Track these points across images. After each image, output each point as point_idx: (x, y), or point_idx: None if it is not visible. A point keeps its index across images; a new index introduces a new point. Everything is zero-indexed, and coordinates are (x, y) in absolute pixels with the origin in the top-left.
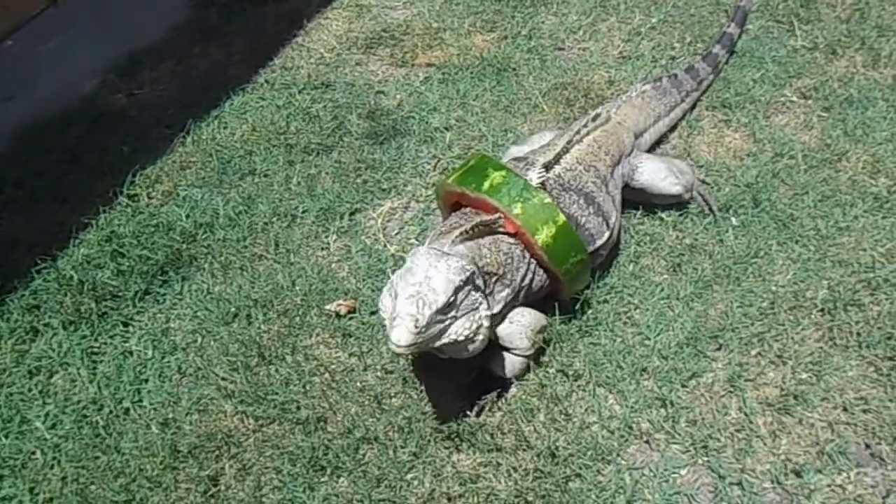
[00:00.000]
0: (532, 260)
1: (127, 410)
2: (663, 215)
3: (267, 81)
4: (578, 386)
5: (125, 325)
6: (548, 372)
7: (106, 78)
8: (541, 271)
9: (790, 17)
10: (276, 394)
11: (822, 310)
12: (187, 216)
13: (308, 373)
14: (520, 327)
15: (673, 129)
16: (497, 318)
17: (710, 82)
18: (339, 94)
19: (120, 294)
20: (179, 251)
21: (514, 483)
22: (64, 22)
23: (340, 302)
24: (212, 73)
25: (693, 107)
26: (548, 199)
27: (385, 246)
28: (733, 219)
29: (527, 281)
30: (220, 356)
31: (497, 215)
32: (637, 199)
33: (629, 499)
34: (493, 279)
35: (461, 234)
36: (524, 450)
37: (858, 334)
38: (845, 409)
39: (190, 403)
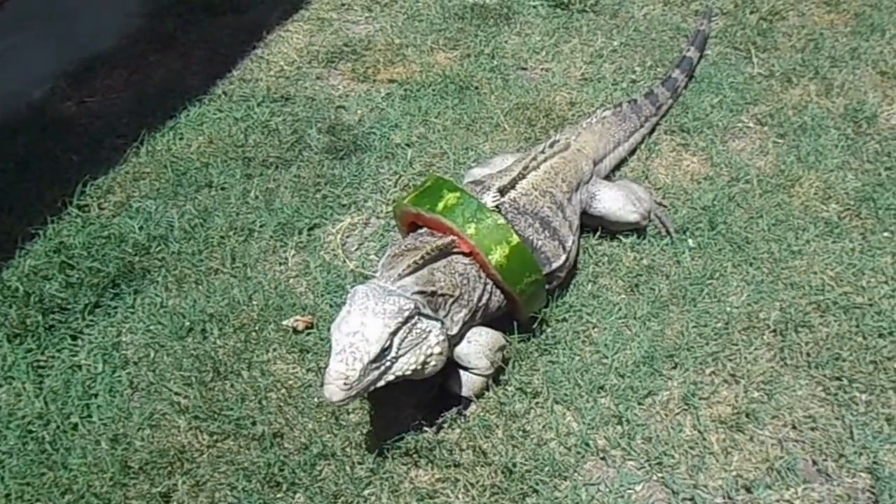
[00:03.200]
0: (488, 280)
1: (75, 426)
2: (621, 237)
3: (225, 93)
4: (537, 403)
5: (74, 338)
6: (507, 390)
7: (56, 85)
8: (497, 291)
9: (747, 45)
10: (232, 409)
11: (774, 330)
12: (140, 228)
13: (264, 388)
14: (478, 346)
15: (632, 152)
16: (455, 338)
17: (669, 107)
18: (299, 107)
19: (69, 307)
20: (132, 263)
21: (472, 499)
22: (10, 26)
23: (298, 317)
24: (168, 82)
25: (652, 131)
26: (501, 220)
27: (344, 262)
28: (690, 241)
29: (483, 301)
30: (173, 371)
31: (451, 237)
32: (595, 224)
33: None
34: (450, 301)
35: (411, 264)
36: (482, 466)
37: (808, 354)
38: (794, 427)
39: (142, 419)
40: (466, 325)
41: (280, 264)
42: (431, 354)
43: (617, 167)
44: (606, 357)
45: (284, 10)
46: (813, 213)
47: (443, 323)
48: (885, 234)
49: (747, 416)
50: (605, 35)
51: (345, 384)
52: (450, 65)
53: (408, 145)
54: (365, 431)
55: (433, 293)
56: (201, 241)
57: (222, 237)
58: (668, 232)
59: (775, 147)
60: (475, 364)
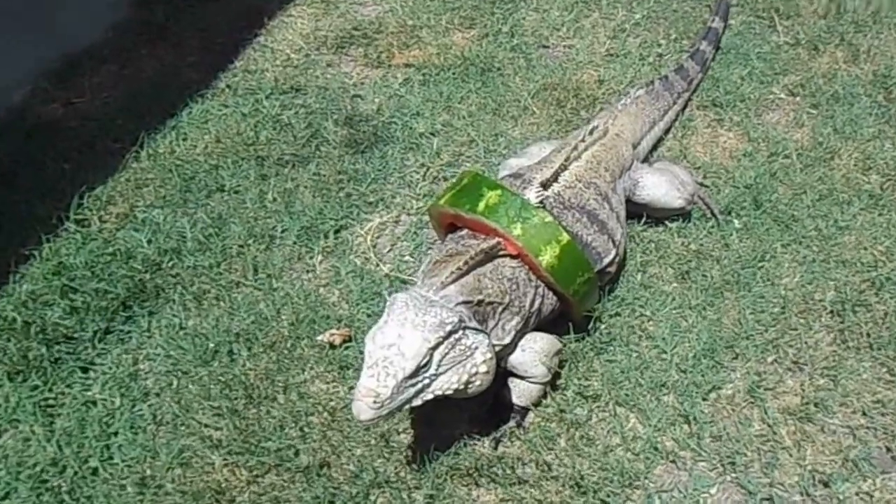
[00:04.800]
0: (539, 283)
1: (95, 470)
2: (667, 222)
3: (228, 86)
4: (598, 407)
5: (84, 370)
6: (565, 395)
7: (38, 86)
8: (549, 294)
9: (770, 13)
10: (270, 439)
11: (831, 312)
12: (149, 241)
13: (304, 413)
14: (533, 354)
15: (667, 131)
16: (509, 348)
17: (699, 81)
18: (312, 98)
19: (75, 335)
20: (143, 282)
21: None
22: None
23: (333, 331)
24: (163, 77)
25: (684, 107)
26: (549, 218)
27: (377, 266)
28: (735, 221)
29: (536, 305)
30: (201, 400)
31: (496, 239)
32: (639, 212)
33: None
34: (500, 309)
35: (454, 271)
36: (548, 480)
37: (868, 335)
38: (864, 414)
39: (170, 457)
40: (519, 333)
41: (307, 272)
42: (476, 373)
43: (653, 148)
44: (665, 352)
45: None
46: (855, 186)
47: (490, 335)
48: None
49: (815, 405)
50: (626, 8)
51: (375, 402)
52: (468, 45)
53: (432, 134)
54: (419, 453)
55: (480, 302)
56: (218, 252)
57: (241, 246)
58: (713, 214)
59: (810, 118)
60: (532, 373)
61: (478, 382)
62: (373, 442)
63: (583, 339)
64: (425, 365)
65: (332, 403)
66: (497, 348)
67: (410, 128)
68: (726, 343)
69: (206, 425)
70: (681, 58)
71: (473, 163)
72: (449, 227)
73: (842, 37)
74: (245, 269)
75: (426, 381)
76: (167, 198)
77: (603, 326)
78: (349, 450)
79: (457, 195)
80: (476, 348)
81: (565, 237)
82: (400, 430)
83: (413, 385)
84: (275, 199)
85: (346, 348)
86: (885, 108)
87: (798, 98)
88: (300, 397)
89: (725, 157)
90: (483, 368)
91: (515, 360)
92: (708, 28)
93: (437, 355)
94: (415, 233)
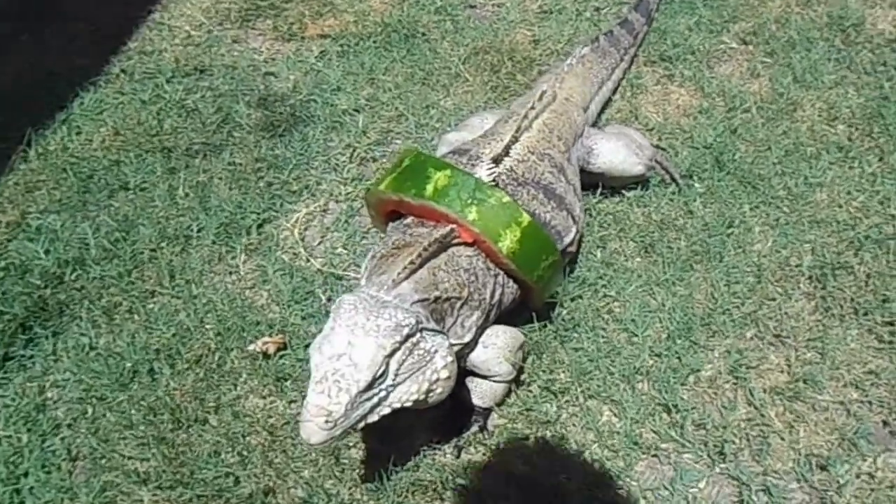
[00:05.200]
0: (498, 272)
1: None
2: (624, 191)
3: (123, 71)
4: (567, 402)
5: None
6: (530, 391)
7: None
8: (510, 282)
9: None
10: (205, 468)
11: (810, 277)
12: (47, 252)
13: (241, 434)
14: (496, 350)
15: (614, 90)
16: (469, 346)
17: (644, 34)
18: (219, 80)
19: None
20: (44, 299)
21: None
22: None
23: (266, 338)
24: (49, 64)
25: (631, 63)
26: (507, 198)
27: (308, 261)
28: (698, 185)
29: (496, 297)
30: (121, 429)
31: (449, 227)
32: (593, 181)
33: None
34: (458, 304)
35: (406, 266)
36: (519, 489)
37: (852, 300)
38: (857, 387)
39: (91, 497)
40: (480, 329)
41: (231, 274)
42: (437, 380)
43: (602, 110)
44: (636, 335)
45: None
46: (822, 139)
47: (449, 335)
48: None
49: (804, 381)
50: None
51: (326, 421)
52: (388, 10)
53: (356, 111)
54: (375, 469)
55: (437, 299)
56: (128, 259)
57: (153, 251)
58: (673, 179)
59: (766, 68)
60: (496, 371)
61: (439, 390)
62: (322, 461)
63: (544, 327)
64: (381, 375)
65: (272, 420)
66: (457, 348)
67: (332, 105)
68: (701, 320)
69: (129, 457)
70: (622, 10)
71: (405, 140)
72: (390, 214)
73: None
74: (160, 275)
75: (382, 393)
76: (63, 201)
77: (565, 311)
78: (295, 472)
79: (399, 178)
80: (435, 352)
81: (525, 218)
82: (351, 444)
83: (368, 399)
84: (187, 195)
85: (282, 357)
86: (844, 51)
87: (751, 47)
88: (235, 417)
89: (680, 116)
90: (444, 374)
91: (477, 358)
92: None
93: (393, 363)
94: (346, 222)
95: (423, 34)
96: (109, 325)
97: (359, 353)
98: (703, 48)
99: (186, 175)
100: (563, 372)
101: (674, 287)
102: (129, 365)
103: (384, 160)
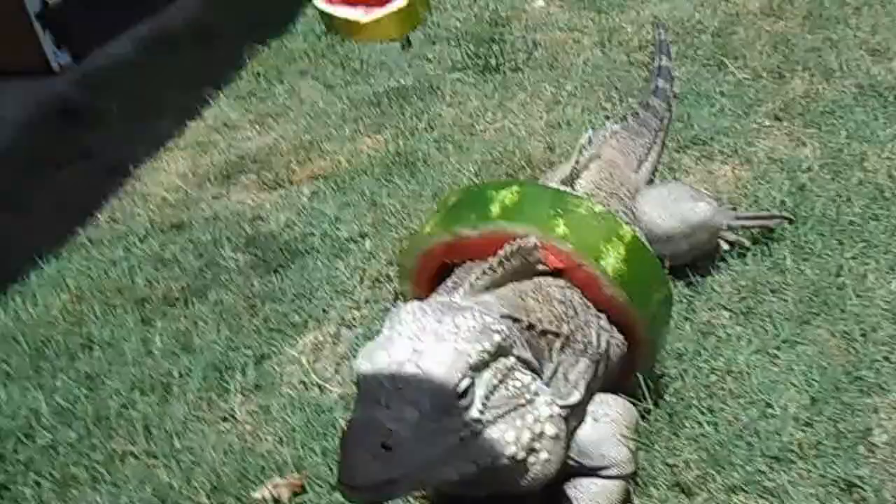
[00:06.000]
0: (599, 312)
1: None
2: (696, 266)
3: (90, 240)
4: (708, 500)
5: None
6: (652, 492)
7: None
8: (614, 329)
9: (716, 58)
10: None
11: None
12: None
13: None
14: (611, 427)
15: (653, 173)
16: (576, 415)
17: (668, 120)
18: (200, 232)
19: None
20: None
21: None
22: None
23: (277, 480)
24: (8, 240)
25: (662, 147)
26: (600, 207)
27: (323, 391)
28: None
29: (604, 344)
30: None
31: (531, 240)
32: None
33: None
34: (558, 344)
35: (485, 273)
36: None
37: None
38: None
39: None
40: (589, 389)
41: (224, 420)
42: (542, 435)
43: None
44: (770, 405)
45: (151, 145)
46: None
47: (552, 383)
48: None
49: None
50: (553, 84)
51: (384, 448)
52: (382, 146)
53: (362, 236)
54: None
55: (531, 327)
56: (90, 420)
57: (123, 405)
58: (771, 217)
59: (810, 137)
60: (611, 457)
61: (543, 455)
62: None
63: (648, 413)
64: (464, 394)
65: None
66: (563, 412)
67: (332, 236)
68: (847, 377)
69: None
70: (641, 100)
71: None
72: (437, 274)
73: (804, 64)
74: (131, 433)
75: (465, 431)
76: (11, 373)
77: (668, 394)
78: None
79: (450, 216)
80: (537, 395)
81: (628, 231)
82: None
83: (445, 433)
84: (165, 343)
85: (299, 499)
86: (891, 108)
87: (786, 122)
88: None
89: (735, 188)
90: (551, 430)
91: (586, 437)
92: (658, 67)
93: (480, 385)
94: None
95: (425, 160)
96: (64, 498)
97: (430, 360)
98: (735, 128)
99: (164, 323)
100: (690, 464)
101: (796, 347)
102: None
103: (433, 207)
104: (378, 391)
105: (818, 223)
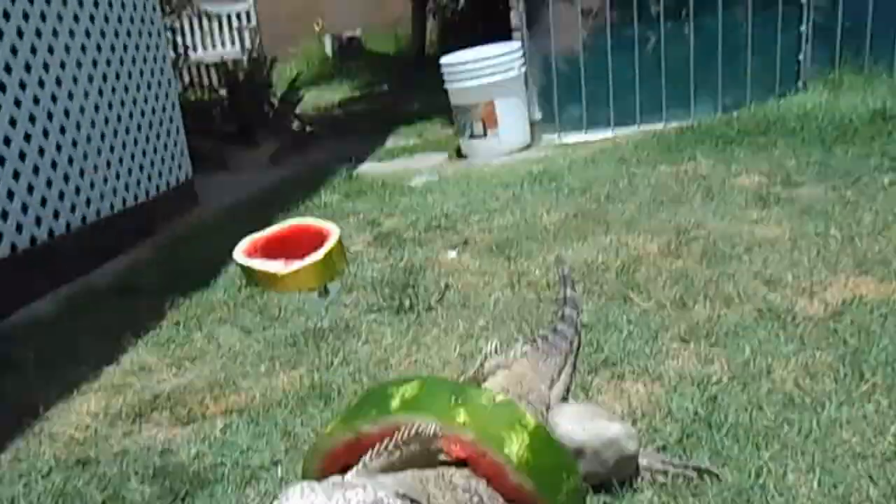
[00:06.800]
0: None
1: None
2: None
3: None
4: None
5: None
6: None
7: None
8: None
9: (621, 292)
10: None
11: None
12: None
13: None
14: None
15: (566, 392)
16: None
17: (577, 345)
18: (107, 466)
19: None
20: None
21: None
22: None
23: None
24: None
25: (574, 370)
26: (501, 396)
27: None
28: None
29: None
30: None
31: (431, 426)
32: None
33: None
34: None
35: (379, 453)
36: None
37: None
38: None
39: None
40: None
41: None
42: None
43: None
44: None
45: (65, 388)
46: (812, 389)
47: None
48: None
49: None
50: (466, 321)
51: None
52: (298, 381)
53: (274, 463)
54: None
55: None
56: None
57: None
58: (695, 469)
59: (717, 355)
60: None
61: None
62: None
63: None
64: None
65: None
66: None
67: (242, 465)
68: None
69: None
70: (549, 326)
71: None
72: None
73: (704, 294)
74: None
75: None
76: None
77: None
78: None
79: (350, 414)
80: None
81: (531, 420)
82: None
83: None
84: None
85: None
86: (791, 329)
87: (692, 344)
88: None
89: (647, 403)
90: None
91: None
92: (564, 297)
93: None
94: None
95: (340, 392)
96: None
97: None
98: (645, 351)
99: None
100: None
101: None
102: None
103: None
104: None
105: (733, 429)
